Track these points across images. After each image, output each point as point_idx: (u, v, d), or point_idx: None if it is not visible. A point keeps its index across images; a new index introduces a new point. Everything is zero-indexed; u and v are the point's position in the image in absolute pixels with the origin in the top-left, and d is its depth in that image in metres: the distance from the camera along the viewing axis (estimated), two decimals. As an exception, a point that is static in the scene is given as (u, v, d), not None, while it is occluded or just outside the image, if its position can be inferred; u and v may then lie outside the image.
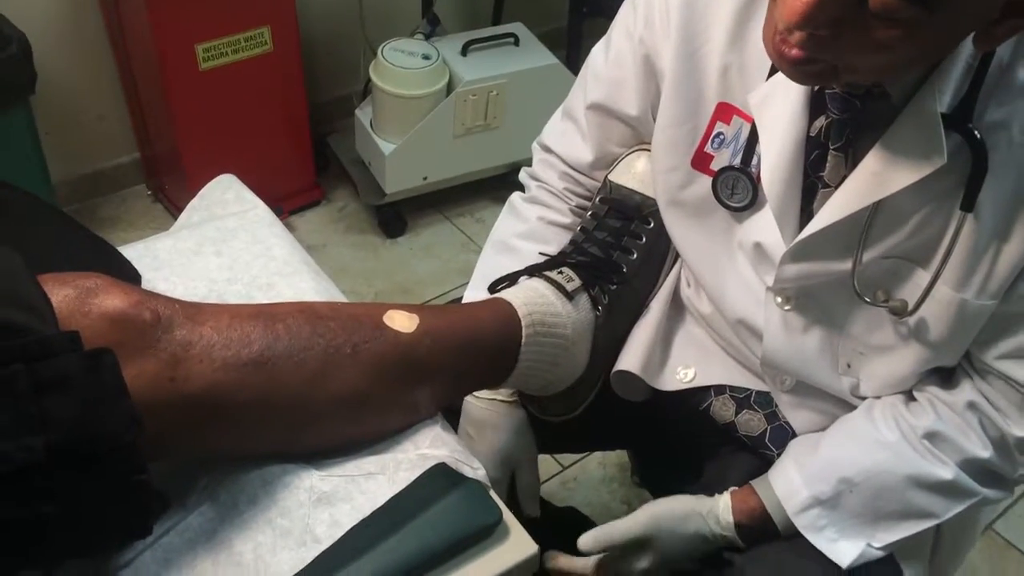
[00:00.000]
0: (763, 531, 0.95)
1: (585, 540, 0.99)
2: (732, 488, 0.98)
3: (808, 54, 0.71)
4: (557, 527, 1.45)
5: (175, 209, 2.30)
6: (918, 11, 0.64)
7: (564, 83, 2.16)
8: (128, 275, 0.84)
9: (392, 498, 0.72)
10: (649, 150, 1.00)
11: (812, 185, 0.87)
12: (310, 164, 2.37)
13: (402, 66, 2.10)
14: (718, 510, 0.96)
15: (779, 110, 0.86)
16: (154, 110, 2.18)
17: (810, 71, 0.73)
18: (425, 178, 2.28)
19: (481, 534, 0.72)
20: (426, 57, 2.13)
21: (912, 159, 0.79)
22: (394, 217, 2.36)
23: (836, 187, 0.85)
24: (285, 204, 2.32)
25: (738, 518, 0.95)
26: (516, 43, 2.25)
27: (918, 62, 0.75)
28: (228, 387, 0.67)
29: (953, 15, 0.66)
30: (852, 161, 0.84)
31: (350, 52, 2.39)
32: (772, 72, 0.86)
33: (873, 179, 0.81)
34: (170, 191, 2.34)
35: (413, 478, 0.74)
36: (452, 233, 2.40)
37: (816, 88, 0.84)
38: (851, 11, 0.66)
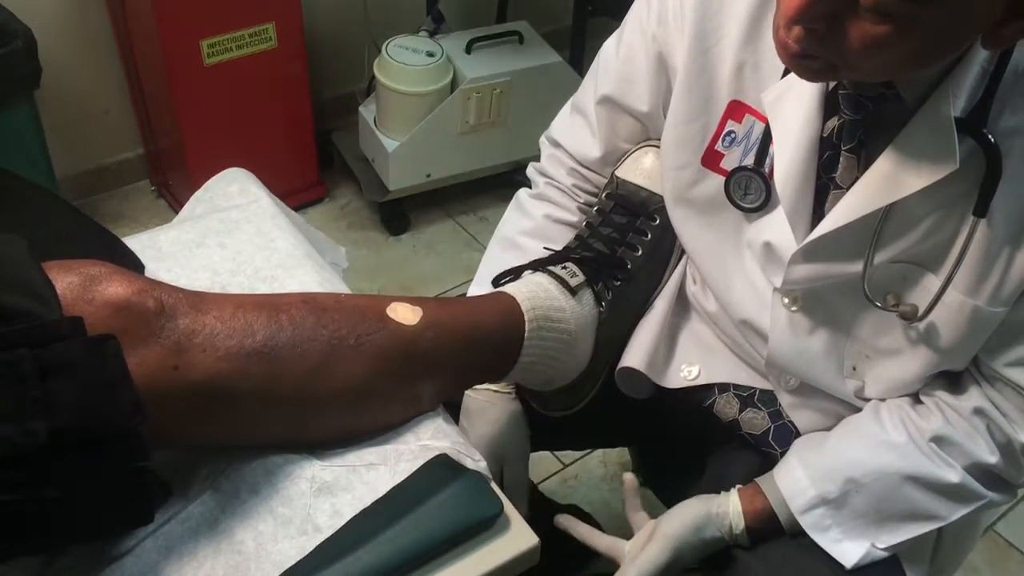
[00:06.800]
0: (769, 530, 0.95)
1: None
2: (738, 486, 0.97)
3: (806, 48, 0.72)
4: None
5: (178, 205, 2.28)
6: (909, 6, 0.64)
7: (568, 82, 2.18)
8: (132, 265, 0.84)
9: (393, 489, 0.72)
10: (657, 146, 1.00)
11: (824, 186, 0.87)
12: (313, 161, 2.37)
13: (406, 63, 2.10)
14: (729, 514, 0.95)
15: (793, 109, 0.86)
16: (158, 105, 2.18)
17: (811, 67, 0.74)
18: (428, 175, 2.28)
19: (481, 526, 0.72)
20: (430, 54, 2.13)
21: (924, 163, 0.79)
22: (397, 214, 2.36)
23: (848, 188, 0.85)
24: (288, 200, 2.28)
25: (748, 521, 0.95)
26: (520, 41, 2.25)
27: (919, 61, 0.74)
28: (231, 376, 0.67)
29: (947, 12, 0.66)
30: (865, 163, 0.84)
31: (354, 49, 2.39)
32: (787, 71, 0.86)
33: (885, 182, 0.81)
34: (174, 187, 2.34)
35: (414, 469, 0.73)
36: (455, 231, 2.40)
37: (830, 88, 0.83)
38: (845, 6, 0.67)
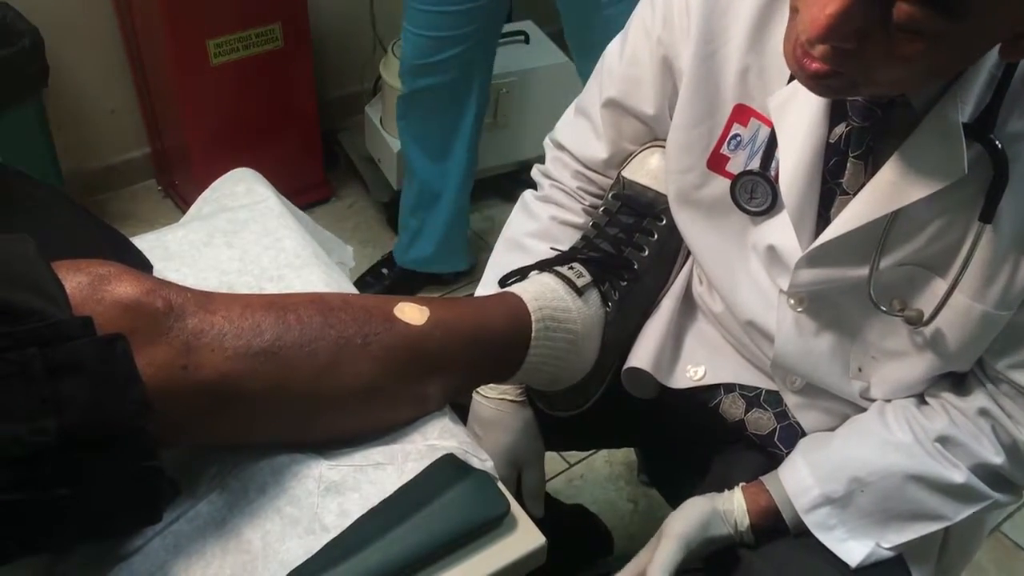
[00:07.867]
0: (774, 529, 0.95)
1: None
2: (742, 484, 0.97)
3: (831, 67, 0.70)
4: (565, 525, 1.45)
5: (185, 205, 2.30)
6: (943, 23, 0.63)
7: (574, 82, 2.17)
8: (140, 265, 0.84)
9: (400, 488, 0.72)
10: (663, 146, 1.00)
11: (830, 191, 0.87)
12: (319, 161, 2.38)
13: (412, 63, 2.10)
14: (735, 512, 0.95)
15: (799, 115, 0.85)
16: (165, 105, 2.19)
17: (832, 85, 0.73)
18: (434, 175, 2.28)
19: (489, 525, 0.72)
20: (436, 55, 2.12)
21: (932, 169, 0.79)
22: (403, 214, 2.36)
23: (855, 194, 0.84)
24: (294, 200, 2.30)
25: (753, 519, 0.95)
26: (526, 41, 2.26)
27: (940, 74, 0.74)
28: (239, 376, 0.68)
29: (977, 28, 0.65)
30: (871, 168, 0.83)
31: (361, 49, 2.40)
32: (792, 76, 0.85)
33: (892, 188, 0.81)
34: (180, 187, 2.35)
35: (421, 469, 0.74)
36: (460, 231, 2.40)
37: None
38: (875, 24, 0.65)
